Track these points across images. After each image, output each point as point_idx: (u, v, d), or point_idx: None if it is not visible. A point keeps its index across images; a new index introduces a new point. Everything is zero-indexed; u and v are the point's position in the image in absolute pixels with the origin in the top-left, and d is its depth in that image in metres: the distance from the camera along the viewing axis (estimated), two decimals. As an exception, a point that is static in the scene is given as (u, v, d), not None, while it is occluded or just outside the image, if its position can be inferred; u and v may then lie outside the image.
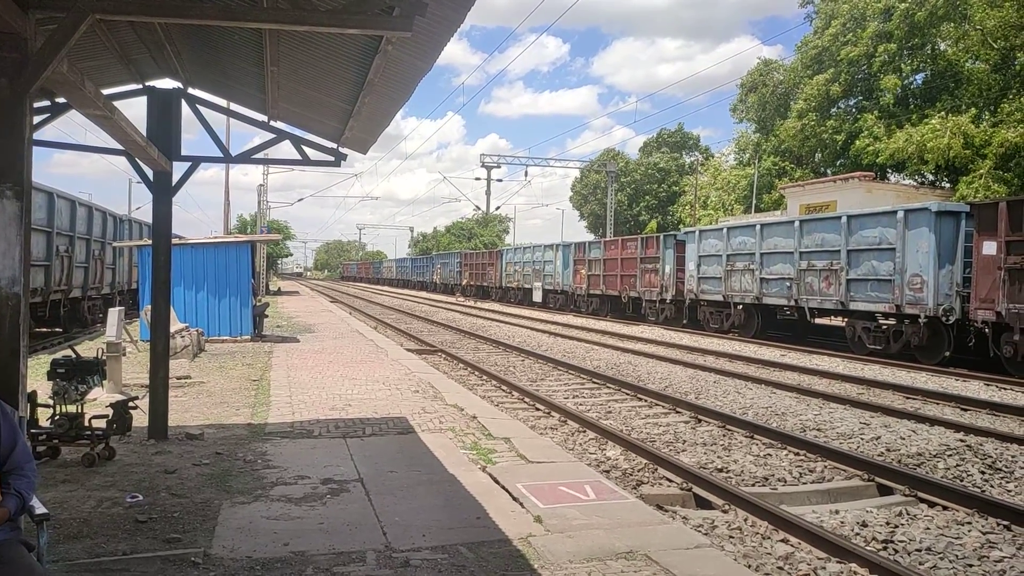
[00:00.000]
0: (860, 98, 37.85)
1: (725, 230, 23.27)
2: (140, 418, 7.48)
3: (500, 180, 67.43)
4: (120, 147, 7.06)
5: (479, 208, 73.44)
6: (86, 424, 6.70)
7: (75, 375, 6.85)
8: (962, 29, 31.73)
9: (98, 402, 8.35)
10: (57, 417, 6.66)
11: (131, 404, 7.19)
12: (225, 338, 17.38)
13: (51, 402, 6.77)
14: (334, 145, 8.69)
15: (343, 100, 7.49)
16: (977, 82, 32.11)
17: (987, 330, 14.55)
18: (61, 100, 6.71)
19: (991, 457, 8.09)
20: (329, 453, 7.08)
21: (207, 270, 17.39)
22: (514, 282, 42.67)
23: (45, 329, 18.94)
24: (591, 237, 60.46)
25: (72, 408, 6.76)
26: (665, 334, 23.52)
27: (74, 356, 7.07)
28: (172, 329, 11.40)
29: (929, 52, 34.83)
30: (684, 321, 25.91)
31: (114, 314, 10.92)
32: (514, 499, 5.72)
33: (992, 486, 7.20)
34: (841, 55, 36.02)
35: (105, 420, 6.86)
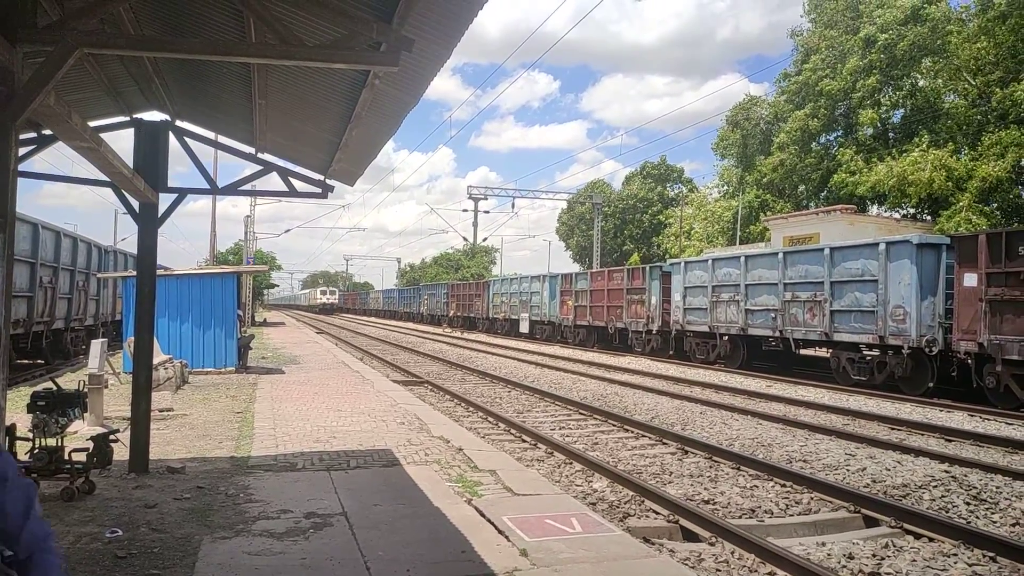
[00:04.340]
0: (839, 132, 38.45)
1: (710, 261, 23.42)
2: (121, 451, 7.39)
3: (487, 212, 67.60)
4: (106, 179, 7.07)
5: (467, 240, 73.53)
6: (66, 458, 6.60)
7: (56, 408, 6.75)
8: (941, 63, 32.39)
9: (79, 435, 8.25)
10: (36, 451, 6.56)
11: (112, 437, 7.09)
12: (209, 370, 17.24)
13: (31, 435, 6.67)
14: (321, 177, 8.72)
15: (330, 133, 7.54)
16: (955, 116, 32.70)
17: (970, 361, 14.67)
18: (48, 132, 6.72)
19: (976, 488, 8.11)
20: (313, 486, 7.00)
21: (192, 301, 17.29)
22: (501, 313, 42.64)
23: (27, 361, 18.69)
24: (577, 268, 60.69)
25: (52, 441, 6.66)
26: (651, 365, 23.53)
27: (55, 388, 6.98)
28: (155, 361, 11.30)
29: (908, 88, 35.50)
30: (670, 352, 25.95)
31: (97, 346, 10.82)
32: (500, 532, 5.67)
33: (977, 517, 7.21)
34: (820, 87, 36.65)
35: (85, 453, 6.76)
